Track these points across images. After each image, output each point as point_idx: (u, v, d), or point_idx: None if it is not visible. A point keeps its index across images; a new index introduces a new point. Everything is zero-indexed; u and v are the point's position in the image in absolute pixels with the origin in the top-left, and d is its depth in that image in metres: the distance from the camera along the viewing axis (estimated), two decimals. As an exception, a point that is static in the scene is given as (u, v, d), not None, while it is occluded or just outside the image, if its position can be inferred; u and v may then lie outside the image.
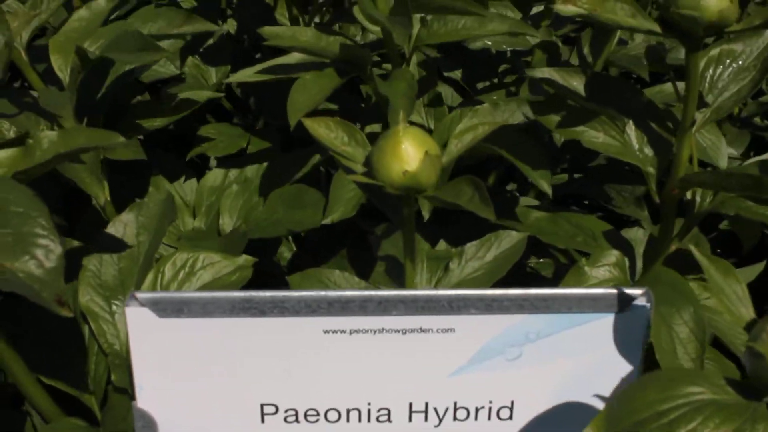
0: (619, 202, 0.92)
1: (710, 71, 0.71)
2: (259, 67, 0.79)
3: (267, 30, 0.82)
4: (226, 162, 0.97)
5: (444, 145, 0.85)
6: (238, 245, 0.81)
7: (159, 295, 0.46)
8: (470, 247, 0.66)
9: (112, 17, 1.03)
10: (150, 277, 0.65)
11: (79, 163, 0.75)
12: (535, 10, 1.10)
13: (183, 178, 1.01)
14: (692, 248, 0.47)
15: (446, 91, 1.08)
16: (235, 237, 0.82)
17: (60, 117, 0.70)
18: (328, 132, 0.57)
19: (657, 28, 0.62)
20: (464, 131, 0.56)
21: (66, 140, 0.53)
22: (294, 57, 0.79)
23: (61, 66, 0.80)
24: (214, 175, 0.93)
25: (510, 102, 0.82)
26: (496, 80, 1.10)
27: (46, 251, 0.48)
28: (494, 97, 0.92)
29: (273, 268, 0.99)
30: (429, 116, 0.97)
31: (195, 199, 0.93)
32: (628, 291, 0.47)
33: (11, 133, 0.83)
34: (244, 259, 0.66)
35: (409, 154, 0.53)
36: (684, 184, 0.66)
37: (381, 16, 0.69)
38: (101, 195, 0.74)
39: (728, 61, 0.71)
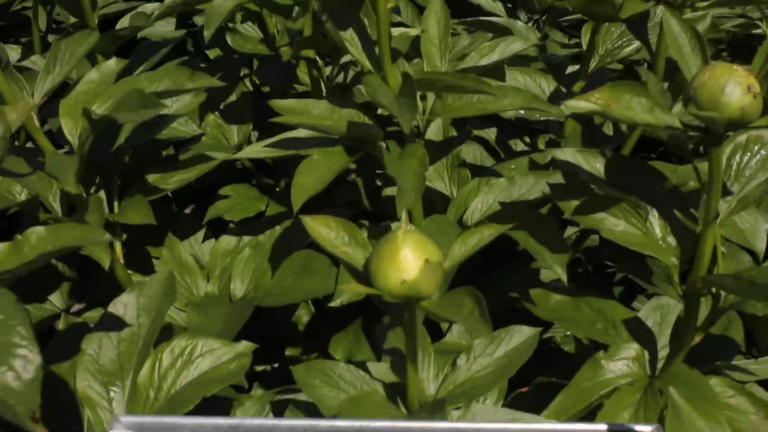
0: (644, 275, 0.88)
1: (737, 158, 0.67)
2: (268, 141, 0.77)
3: (280, 104, 0.80)
4: (244, 223, 0.96)
5: (459, 221, 0.83)
6: (243, 314, 0.79)
7: (144, 420, 0.45)
8: (479, 343, 0.63)
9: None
10: (147, 365, 0.63)
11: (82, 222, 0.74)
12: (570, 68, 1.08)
13: (201, 237, 1.00)
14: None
15: (476, 151, 1.05)
16: (242, 306, 0.80)
17: (63, 184, 0.68)
18: (328, 231, 0.55)
19: (677, 122, 0.59)
20: (469, 235, 0.53)
21: (55, 237, 0.52)
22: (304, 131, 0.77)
23: (71, 129, 0.79)
24: (229, 239, 0.92)
25: (528, 176, 0.80)
26: (528, 140, 1.08)
27: (25, 362, 0.46)
28: (512, 166, 0.89)
29: (289, 332, 0.97)
30: (452, 181, 0.95)
31: (210, 262, 0.91)
32: (637, 428, 0.44)
33: (22, 196, 0.82)
34: (244, 345, 0.64)
35: (408, 262, 0.50)
36: (706, 284, 0.63)
37: (386, 99, 0.67)
38: (105, 260, 0.72)
39: (756, 147, 0.67)
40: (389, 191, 0.96)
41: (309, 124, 0.74)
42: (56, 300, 0.96)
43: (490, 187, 0.81)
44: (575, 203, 0.68)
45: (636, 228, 0.67)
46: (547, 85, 0.93)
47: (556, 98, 0.92)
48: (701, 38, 0.63)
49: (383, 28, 0.71)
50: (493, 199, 0.81)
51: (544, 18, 1.48)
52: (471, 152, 1.04)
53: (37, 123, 0.77)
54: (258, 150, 0.77)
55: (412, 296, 0.51)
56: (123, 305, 0.68)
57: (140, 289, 0.68)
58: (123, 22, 1.02)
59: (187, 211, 1.19)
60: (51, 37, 1.37)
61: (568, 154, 0.70)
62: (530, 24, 1.56)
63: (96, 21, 0.99)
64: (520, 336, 0.64)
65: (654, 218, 0.68)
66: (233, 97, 1.03)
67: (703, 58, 0.63)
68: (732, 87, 0.56)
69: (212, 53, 1.10)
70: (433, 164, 0.95)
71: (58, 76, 0.79)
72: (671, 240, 0.68)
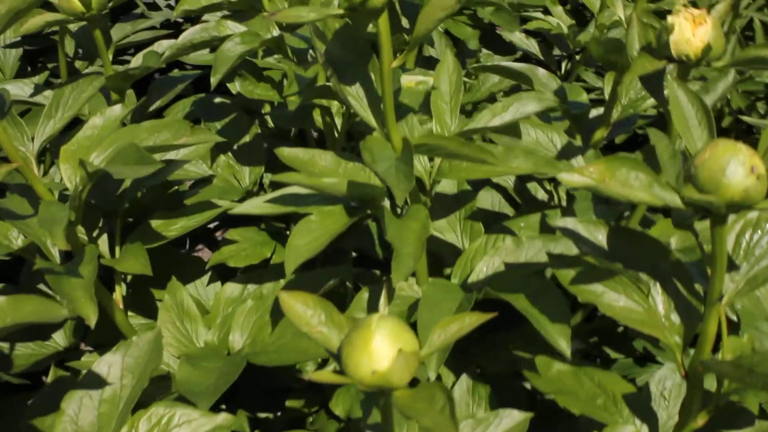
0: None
1: (746, 236, 0.64)
2: (268, 196, 0.75)
3: (285, 152, 0.79)
4: (252, 269, 0.94)
5: (464, 282, 0.81)
6: (237, 369, 0.77)
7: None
8: (465, 426, 0.61)
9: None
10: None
11: (76, 277, 0.73)
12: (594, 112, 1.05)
13: (207, 280, 0.99)
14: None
15: (494, 198, 1.02)
16: (237, 360, 0.79)
17: (52, 238, 0.67)
18: (305, 309, 0.53)
19: (677, 201, 0.56)
20: (450, 322, 0.51)
21: (14, 310, 0.50)
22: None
23: (70, 176, 0.78)
24: (234, 286, 0.90)
25: (535, 240, 0.77)
26: (549, 185, 1.05)
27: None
28: (521, 224, 0.86)
29: (292, 381, 0.95)
30: (464, 233, 0.92)
31: (212, 309, 0.90)
32: None
33: (18, 242, 0.81)
34: (223, 417, 0.62)
35: (380, 351, 0.48)
36: (706, 368, 0.60)
37: (381, 167, 0.65)
38: (92, 316, 0.70)
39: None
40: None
41: (308, 184, 0.72)
42: (60, 338, 0.95)
43: (496, 249, 0.78)
44: (572, 273, 0.66)
45: (637, 304, 0.65)
46: (559, 140, 0.91)
47: (569, 153, 0.89)
48: (708, 111, 0.61)
49: (387, 89, 0.69)
50: (499, 262, 0.78)
51: (577, 56, 1.46)
52: (489, 199, 1.02)
53: (35, 170, 0.77)
54: (257, 205, 0.76)
55: (384, 387, 0.48)
56: (107, 365, 0.66)
57: (126, 349, 0.67)
58: (136, 60, 1.01)
59: (200, 246, 1.18)
60: (78, 63, 1.38)
61: (569, 222, 0.67)
62: (565, 62, 1.54)
63: (110, 58, 0.99)
64: (509, 420, 0.62)
65: (657, 294, 0.65)
66: (246, 138, 1.02)
67: (709, 132, 0.60)
68: (734, 167, 0.54)
69: (233, 87, 1.09)
70: (446, 217, 0.93)
71: (60, 121, 0.79)
72: (675, 318, 0.65)
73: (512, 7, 1.65)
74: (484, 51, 1.64)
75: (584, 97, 1.02)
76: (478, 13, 1.58)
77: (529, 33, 1.51)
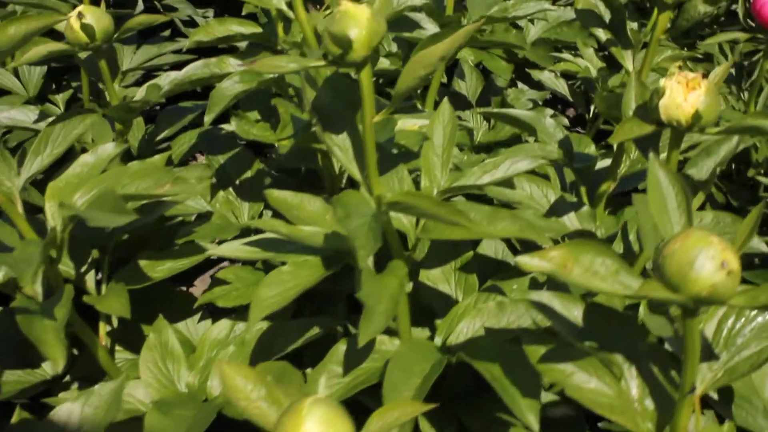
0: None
1: (729, 323, 0.62)
2: (244, 240, 0.74)
3: (274, 195, 0.78)
4: (243, 309, 0.93)
5: (442, 345, 0.78)
6: (206, 419, 0.76)
7: None
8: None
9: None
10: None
11: (49, 318, 0.72)
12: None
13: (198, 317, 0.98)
14: None
15: (497, 246, 1.00)
16: (208, 409, 0.77)
17: (20, 280, 0.66)
18: (245, 383, 0.51)
19: (651, 290, 0.53)
20: (389, 410, 0.49)
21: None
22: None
23: (54, 214, 0.77)
24: (220, 328, 0.89)
25: (518, 303, 0.75)
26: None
27: None
28: (514, 286, 0.84)
29: None
30: (459, 285, 0.90)
31: (197, 350, 0.88)
32: None
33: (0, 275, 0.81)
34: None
35: (309, 439, 0.46)
36: (673, 464, 0.57)
37: (351, 225, 0.63)
38: (60, 360, 0.69)
39: (752, 313, 0.61)
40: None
41: (285, 234, 0.70)
42: (49, 366, 0.95)
43: (479, 311, 0.76)
44: (542, 350, 0.63)
45: (608, 387, 0.62)
46: (553, 195, 0.88)
47: (561, 210, 0.87)
48: (688, 195, 0.58)
49: (369, 142, 0.68)
50: (480, 324, 0.76)
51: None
52: (492, 246, 0.99)
53: (18, 206, 0.76)
54: (235, 249, 0.74)
55: (312, 476, 0.47)
56: (67, 413, 0.66)
57: (86, 398, 0.66)
58: (140, 93, 1.01)
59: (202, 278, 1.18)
60: (102, 84, 1.38)
61: (544, 297, 0.65)
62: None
63: (115, 90, 0.99)
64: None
65: (632, 377, 0.62)
66: (249, 174, 1.01)
67: (687, 218, 0.58)
68: (703, 261, 0.51)
69: (229, 126, 1.08)
70: (442, 266, 0.91)
71: (48, 157, 0.78)
72: (649, 403, 0.62)
73: (547, 43, 1.64)
74: (521, 86, 1.62)
75: (592, 149, 0.99)
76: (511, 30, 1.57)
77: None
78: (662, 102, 0.69)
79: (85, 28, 0.90)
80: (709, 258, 0.51)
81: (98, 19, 0.92)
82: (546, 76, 1.44)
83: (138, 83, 1.45)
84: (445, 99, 0.80)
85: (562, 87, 1.43)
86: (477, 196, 0.96)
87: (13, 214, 0.75)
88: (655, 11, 0.88)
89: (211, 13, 1.87)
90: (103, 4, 0.95)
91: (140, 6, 1.79)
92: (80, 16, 0.91)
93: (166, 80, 1.01)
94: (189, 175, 0.92)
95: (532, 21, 1.76)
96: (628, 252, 0.86)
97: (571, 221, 0.86)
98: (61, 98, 1.37)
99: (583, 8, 0.94)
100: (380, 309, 0.67)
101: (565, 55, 1.37)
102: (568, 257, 0.53)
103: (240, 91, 0.85)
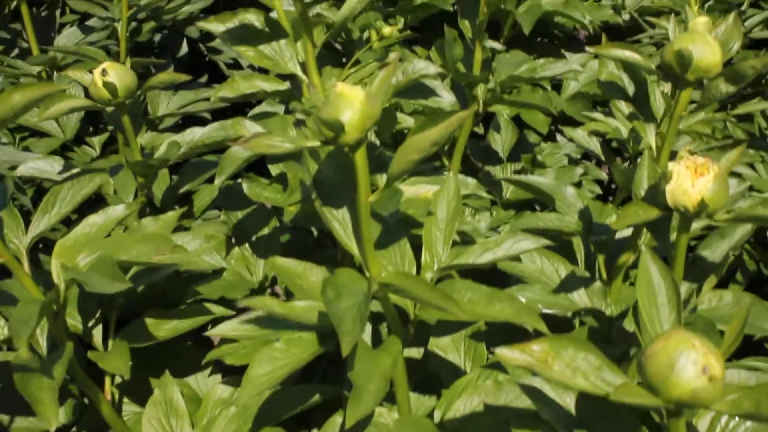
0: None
1: (722, 422, 0.60)
2: (243, 318, 0.74)
3: (278, 263, 0.78)
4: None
5: (440, 422, 0.77)
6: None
7: None
8: None
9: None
10: None
11: (47, 376, 0.72)
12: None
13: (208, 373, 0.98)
14: None
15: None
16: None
17: (15, 341, 0.67)
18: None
19: (629, 394, 0.52)
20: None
21: None
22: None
23: (59, 273, 0.78)
24: (224, 387, 0.89)
25: (514, 385, 0.73)
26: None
27: None
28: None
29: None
30: (468, 355, 0.89)
31: (201, 408, 0.89)
32: None
33: (5, 331, 0.82)
34: None
35: None
36: None
37: (336, 310, 0.62)
38: (53, 420, 0.69)
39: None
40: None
41: (278, 313, 0.70)
42: (60, 414, 0.96)
43: (476, 389, 0.75)
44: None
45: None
46: (564, 270, 0.87)
47: (570, 286, 0.85)
48: (678, 294, 0.56)
49: (365, 222, 0.68)
50: (478, 401, 0.75)
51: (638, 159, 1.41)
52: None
53: (25, 265, 0.77)
54: (233, 329, 0.74)
55: None
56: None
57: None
58: (162, 149, 1.02)
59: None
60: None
61: (536, 381, 0.63)
62: (627, 164, 1.49)
63: (138, 144, 1.00)
64: None
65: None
66: (265, 230, 1.01)
67: (677, 316, 0.56)
68: (684, 364, 0.50)
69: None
70: (452, 334, 0.90)
71: (55, 216, 0.79)
72: (639, 499, 0.60)
73: (585, 97, 1.62)
74: (559, 139, 1.61)
75: (612, 220, 0.98)
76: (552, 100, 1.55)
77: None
78: (669, 187, 0.68)
79: (107, 85, 0.92)
80: (690, 361, 0.50)
81: (121, 76, 0.93)
82: (579, 135, 1.42)
83: (177, 126, 1.47)
84: (450, 174, 0.79)
85: (594, 146, 1.41)
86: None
87: (19, 273, 0.76)
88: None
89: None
90: (128, 62, 0.97)
91: (184, 48, 1.82)
92: (104, 73, 0.93)
93: (189, 137, 1.02)
94: (204, 232, 0.93)
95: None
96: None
97: (581, 298, 0.85)
98: (97, 141, 1.39)
99: (606, 80, 0.93)
100: (371, 388, 0.67)
101: (597, 115, 1.35)
102: (549, 352, 0.53)
103: (251, 154, 0.85)
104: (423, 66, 0.88)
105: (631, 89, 0.93)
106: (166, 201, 1.09)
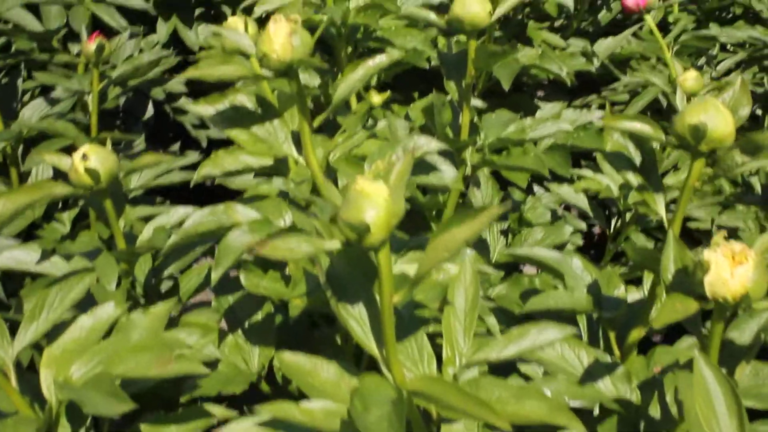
0: None
1: None
2: (256, 419, 0.68)
3: (286, 360, 0.73)
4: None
5: None
6: None
7: None
8: None
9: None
10: None
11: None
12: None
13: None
14: None
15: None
16: None
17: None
18: None
19: None
20: None
21: None
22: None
23: (49, 386, 0.72)
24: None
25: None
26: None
27: None
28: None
29: None
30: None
31: None
32: None
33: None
34: None
35: None
36: None
37: (372, 419, 0.58)
38: None
39: None
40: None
41: (296, 422, 0.65)
42: None
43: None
44: None
45: None
46: (586, 357, 0.83)
47: (596, 374, 0.81)
48: (739, 401, 0.53)
49: (388, 322, 0.63)
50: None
51: (628, 214, 1.39)
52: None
53: (12, 381, 0.71)
54: (246, 430, 0.69)
55: None
56: None
57: None
58: (147, 232, 0.97)
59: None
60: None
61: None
62: (615, 219, 1.46)
63: (121, 229, 0.95)
64: None
65: None
66: (258, 317, 0.96)
67: (739, 423, 0.52)
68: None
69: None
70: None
71: (44, 323, 0.74)
72: None
73: (564, 149, 1.60)
74: (537, 190, 1.57)
75: (622, 291, 0.94)
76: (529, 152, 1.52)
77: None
78: (708, 278, 0.64)
79: (89, 172, 0.86)
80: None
81: (103, 160, 0.88)
82: (565, 191, 1.40)
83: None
84: (467, 258, 0.75)
85: (582, 202, 1.39)
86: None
87: (6, 389, 0.70)
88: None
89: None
90: (108, 143, 0.92)
91: (150, 110, 1.77)
92: (84, 157, 0.87)
93: (174, 218, 0.97)
94: (196, 321, 0.88)
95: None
96: (666, 416, 0.80)
97: (607, 386, 0.80)
98: (67, 216, 1.33)
99: (613, 150, 0.89)
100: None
101: (585, 171, 1.33)
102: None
103: (250, 243, 0.80)
104: (424, 142, 0.84)
105: (638, 158, 0.90)
106: (150, 284, 1.04)
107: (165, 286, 1.07)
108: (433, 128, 1.16)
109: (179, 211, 0.97)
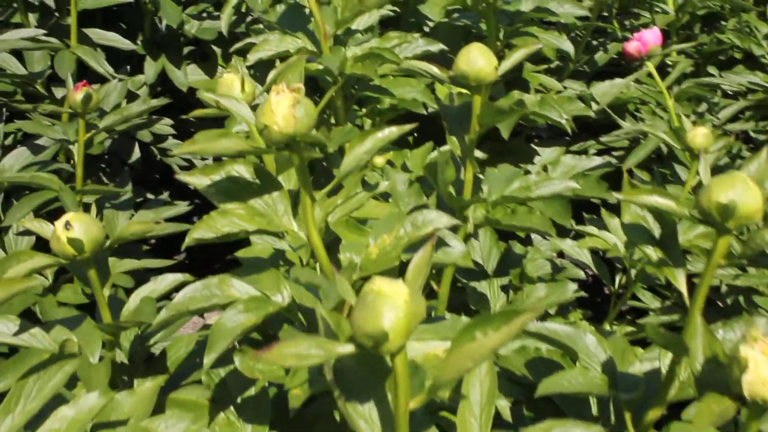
0: None
1: None
2: None
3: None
4: None
5: None
6: None
7: None
8: None
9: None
10: None
11: None
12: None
13: None
14: None
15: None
16: None
17: None
18: None
19: None
20: None
21: None
22: None
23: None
24: None
25: None
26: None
27: None
28: None
29: None
30: None
31: None
32: None
33: None
34: None
35: None
36: None
37: None
38: None
39: None
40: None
41: None
42: None
43: None
44: None
45: None
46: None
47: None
48: None
49: (402, 427, 0.58)
50: None
51: (633, 270, 1.34)
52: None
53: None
54: None
55: None
56: None
57: None
58: (134, 300, 0.91)
59: None
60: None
61: None
62: (619, 275, 1.41)
63: (105, 299, 0.89)
64: None
65: None
66: (251, 391, 0.90)
67: None
68: None
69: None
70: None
71: (20, 416, 0.68)
72: None
73: (562, 197, 1.55)
74: (535, 239, 1.53)
75: (637, 369, 0.89)
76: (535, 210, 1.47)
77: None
78: (747, 378, 0.59)
79: (72, 241, 0.81)
80: None
81: (87, 229, 0.82)
82: (568, 245, 1.35)
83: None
84: (486, 368, 0.69)
85: (585, 257, 1.34)
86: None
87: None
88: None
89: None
90: (93, 209, 0.87)
91: (137, 153, 1.72)
92: (67, 226, 0.82)
93: (161, 285, 0.92)
94: (185, 399, 0.82)
95: (545, 170, 1.69)
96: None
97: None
98: (50, 271, 1.27)
99: (630, 222, 0.84)
100: None
101: (590, 228, 1.28)
102: None
103: (246, 326, 0.75)
104: (434, 217, 0.78)
105: (656, 231, 0.85)
106: (135, 353, 0.98)
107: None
108: (434, 184, 1.10)
109: (168, 279, 0.91)
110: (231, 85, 0.92)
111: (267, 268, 0.83)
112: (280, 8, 1.31)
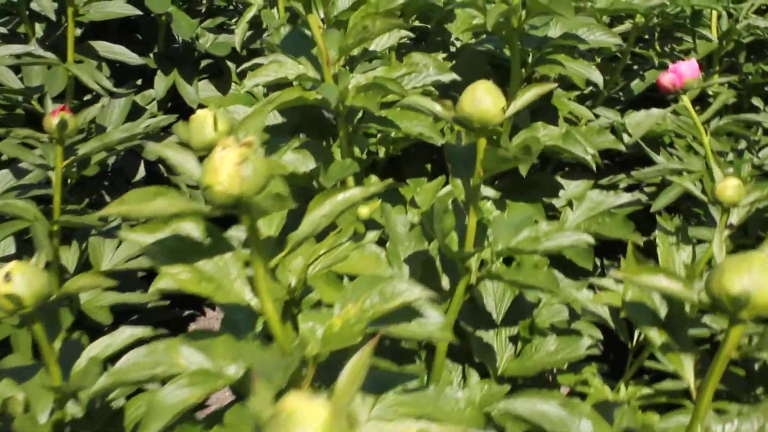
0: None
1: None
2: None
3: None
4: None
5: None
6: None
7: None
8: None
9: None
10: None
11: None
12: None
13: None
14: None
15: None
16: None
17: None
18: None
19: None
20: None
21: None
22: None
23: None
24: None
25: None
26: None
27: None
28: None
29: None
30: None
31: None
32: None
33: None
34: None
35: None
36: None
37: None
38: None
39: None
40: None
41: None
42: None
43: None
44: None
45: None
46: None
47: None
48: None
49: None
50: None
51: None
52: None
53: None
54: None
55: None
56: None
57: None
58: (82, 360, 0.83)
59: None
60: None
61: None
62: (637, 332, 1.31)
63: (56, 356, 0.81)
64: None
65: None
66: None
67: None
68: None
69: None
70: None
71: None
72: None
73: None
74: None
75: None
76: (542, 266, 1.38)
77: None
78: None
79: (11, 297, 0.73)
80: None
81: (29, 282, 0.74)
82: (584, 295, 1.24)
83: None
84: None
85: (602, 311, 1.24)
86: None
87: None
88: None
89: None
90: (42, 257, 0.79)
91: (141, 171, 1.65)
92: (7, 278, 0.74)
93: (119, 337, 0.84)
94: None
95: (570, 205, 1.59)
96: None
97: None
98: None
99: (633, 300, 0.75)
100: None
101: (606, 282, 1.17)
102: None
103: (188, 402, 0.66)
104: (404, 288, 0.69)
105: (663, 311, 0.75)
106: (94, 408, 0.90)
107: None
108: (432, 233, 1.01)
109: (125, 333, 0.83)
110: (203, 123, 0.84)
111: (223, 332, 0.74)
112: (285, 30, 1.22)
